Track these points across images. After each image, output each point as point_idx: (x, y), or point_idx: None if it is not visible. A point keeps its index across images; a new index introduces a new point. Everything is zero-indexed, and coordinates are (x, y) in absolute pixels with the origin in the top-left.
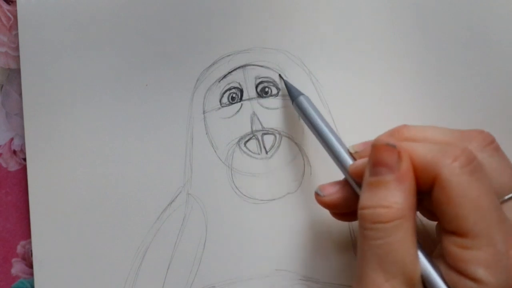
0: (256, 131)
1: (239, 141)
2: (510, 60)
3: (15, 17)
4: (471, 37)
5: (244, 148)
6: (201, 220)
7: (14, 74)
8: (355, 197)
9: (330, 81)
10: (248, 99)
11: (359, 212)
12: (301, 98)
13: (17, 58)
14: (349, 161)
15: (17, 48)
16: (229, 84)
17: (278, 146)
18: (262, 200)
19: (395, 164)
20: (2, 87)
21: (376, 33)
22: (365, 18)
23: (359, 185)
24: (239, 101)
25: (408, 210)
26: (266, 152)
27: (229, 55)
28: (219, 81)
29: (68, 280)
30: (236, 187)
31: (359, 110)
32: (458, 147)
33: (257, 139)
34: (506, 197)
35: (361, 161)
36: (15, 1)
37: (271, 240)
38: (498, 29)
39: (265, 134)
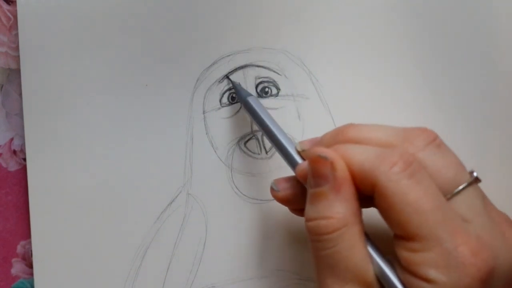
0: (256, 131)
1: (239, 141)
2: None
3: (15, 17)
4: (473, 39)
5: (244, 148)
6: (201, 220)
7: (14, 74)
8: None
9: (330, 81)
10: None
11: (305, 224)
12: (249, 99)
13: (17, 58)
14: (297, 160)
15: (17, 48)
16: (229, 84)
17: None
18: (262, 200)
19: (329, 174)
20: (2, 87)
21: (376, 33)
22: (366, 18)
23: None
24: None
25: (351, 216)
26: (266, 152)
27: (229, 55)
28: (219, 81)
29: (68, 280)
30: (236, 187)
31: (359, 110)
32: (397, 151)
33: (257, 139)
34: (454, 191)
35: (305, 164)
36: (15, 1)
37: (271, 240)
38: (501, 27)
39: None
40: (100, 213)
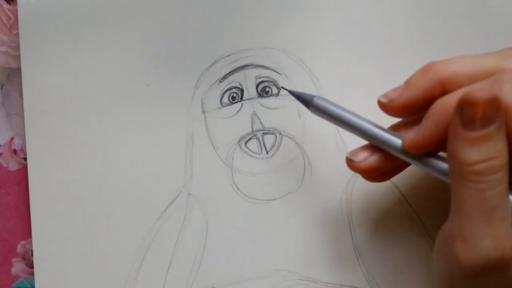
0: (257, 130)
1: (239, 141)
2: None
3: (16, 16)
4: (473, 39)
5: (245, 148)
6: (202, 220)
7: (15, 73)
8: (389, 158)
9: (330, 81)
10: (249, 99)
11: (464, 168)
12: (316, 101)
13: (17, 58)
14: (394, 139)
15: (17, 48)
16: (229, 84)
17: (279, 146)
18: (262, 200)
19: (496, 115)
20: (2, 86)
21: (376, 32)
22: (366, 17)
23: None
24: (240, 101)
25: (508, 154)
26: (267, 152)
27: (229, 55)
28: (220, 81)
29: (68, 280)
30: (236, 187)
31: (360, 110)
32: (507, 71)
33: (258, 139)
34: None
35: (414, 133)
36: (16, 0)
37: (272, 240)
38: (501, 27)
39: (265, 133)
40: (100, 213)
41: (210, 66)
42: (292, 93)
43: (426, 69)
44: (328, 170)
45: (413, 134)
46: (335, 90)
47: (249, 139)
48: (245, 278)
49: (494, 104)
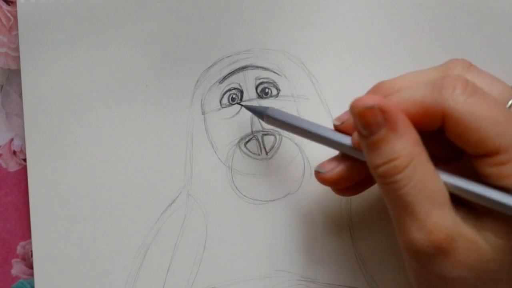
0: (256, 131)
1: (239, 141)
2: None
3: (15, 17)
4: (474, 39)
5: (244, 149)
6: (201, 221)
7: (14, 74)
8: (356, 167)
9: (330, 82)
10: (248, 100)
11: (374, 172)
12: (269, 111)
13: (17, 59)
14: (342, 137)
15: (17, 49)
16: (229, 85)
17: (278, 147)
18: (262, 200)
19: (381, 119)
20: (2, 87)
21: (376, 33)
22: (366, 18)
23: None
24: (239, 102)
25: (416, 147)
26: (266, 153)
27: (229, 56)
28: (220, 82)
29: (68, 281)
30: (236, 187)
31: None
32: (449, 77)
33: (257, 139)
34: (507, 105)
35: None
36: (15, 2)
37: (271, 241)
38: (501, 27)
39: (265, 134)
40: (100, 214)
41: (209, 67)
42: (247, 107)
43: (375, 89)
44: None
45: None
46: (334, 91)
47: (249, 140)
48: (245, 279)
49: (374, 111)
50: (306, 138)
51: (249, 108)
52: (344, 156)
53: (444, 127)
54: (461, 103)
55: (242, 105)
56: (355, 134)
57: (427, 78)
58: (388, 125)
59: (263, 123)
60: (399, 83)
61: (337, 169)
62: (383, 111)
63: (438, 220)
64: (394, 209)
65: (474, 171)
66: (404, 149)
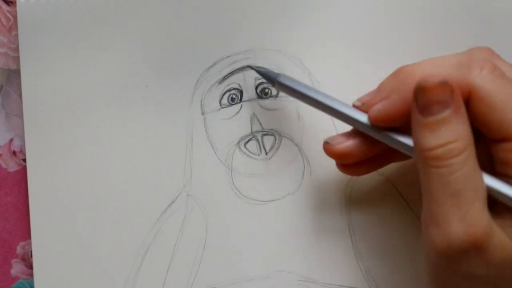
0: (256, 132)
1: (239, 142)
2: None
3: (15, 17)
4: (474, 39)
5: (244, 149)
6: (201, 221)
7: (14, 74)
8: (365, 144)
9: (330, 82)
10: (248, 100)
11: (425, 154)
12: (282, 78)
13: (16, 59)
14: (359, 114)
15: (16, 49)
16: (229, 85)
17: (278, 147)
18: (262, 201)
19: (449, 99)
20: (1, 87)
21: (376, 33)
22: (366, 18)
23: (380, 131)
24: (239, 102)
25: (471, 136)
26: (266, 153)
27: (229, 56)
28: (219, 83)
29: (68, 281)
30: (236, 188)
31: None
32: (477, 58)
33: (257, 140)
34: None
35: (380, 105)
36: (15, 2)
37: (271, 241)
38: (501, 27)
39: (265, 135)
40: (100, 214)
41: (209, 67)
42: (258, 71)
43: (397, 73)
44: (328, 171)
45: (380, 106)
46: (334, 91)
47: (249, 140)
48: (245, 279)
49: (446, 88)
50: (319, 109)
51: (260, 72)
52: (355, 132)
53: (469, 107)
54: (489, 82)
55: (251, 67)
56: (373, 109)
57: (451, 62)
58: (454, 106)
59: (262, 123)
60: (422, 66)
61: (347, 143)
62: (453, 90)
63: (477, 214)
64: (437, 197)
65: (490, 160)
66: (463, 134)
